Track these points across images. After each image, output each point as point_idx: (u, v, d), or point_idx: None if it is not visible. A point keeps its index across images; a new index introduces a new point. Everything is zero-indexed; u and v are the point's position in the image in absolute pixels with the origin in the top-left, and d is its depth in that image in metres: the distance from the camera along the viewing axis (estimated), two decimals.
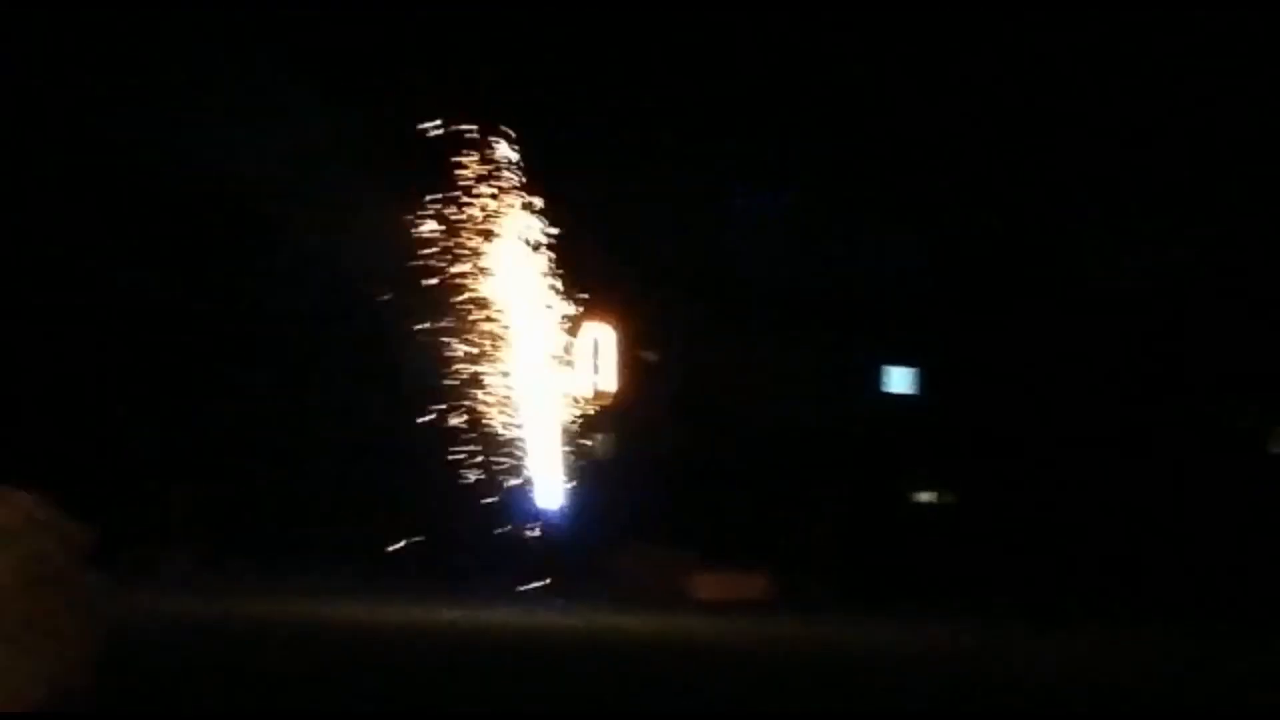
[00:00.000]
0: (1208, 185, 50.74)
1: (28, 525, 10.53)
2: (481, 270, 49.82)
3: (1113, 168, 51.25)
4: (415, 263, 48.32)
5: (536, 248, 49.40)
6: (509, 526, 48.98)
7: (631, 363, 52.02)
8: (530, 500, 50.12)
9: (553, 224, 49.40)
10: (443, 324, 49.01)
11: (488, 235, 49.81)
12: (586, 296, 49.19)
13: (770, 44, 51.29)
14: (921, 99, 51.75)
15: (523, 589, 43.18)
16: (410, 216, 48.41)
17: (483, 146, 49.85)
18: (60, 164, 49.28)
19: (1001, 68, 50.94)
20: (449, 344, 49.49)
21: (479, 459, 48.72)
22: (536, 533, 48.95)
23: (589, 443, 51.51)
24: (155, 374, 50.88)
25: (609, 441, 52.79)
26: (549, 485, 50.37)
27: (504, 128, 50.04)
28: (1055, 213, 51.95)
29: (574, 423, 50.61)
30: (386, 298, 47.09)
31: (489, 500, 48.83)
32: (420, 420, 47.70)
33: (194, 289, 50.96)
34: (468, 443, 48.72)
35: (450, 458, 47.86)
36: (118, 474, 47.94)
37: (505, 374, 50.02)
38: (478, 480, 49.07)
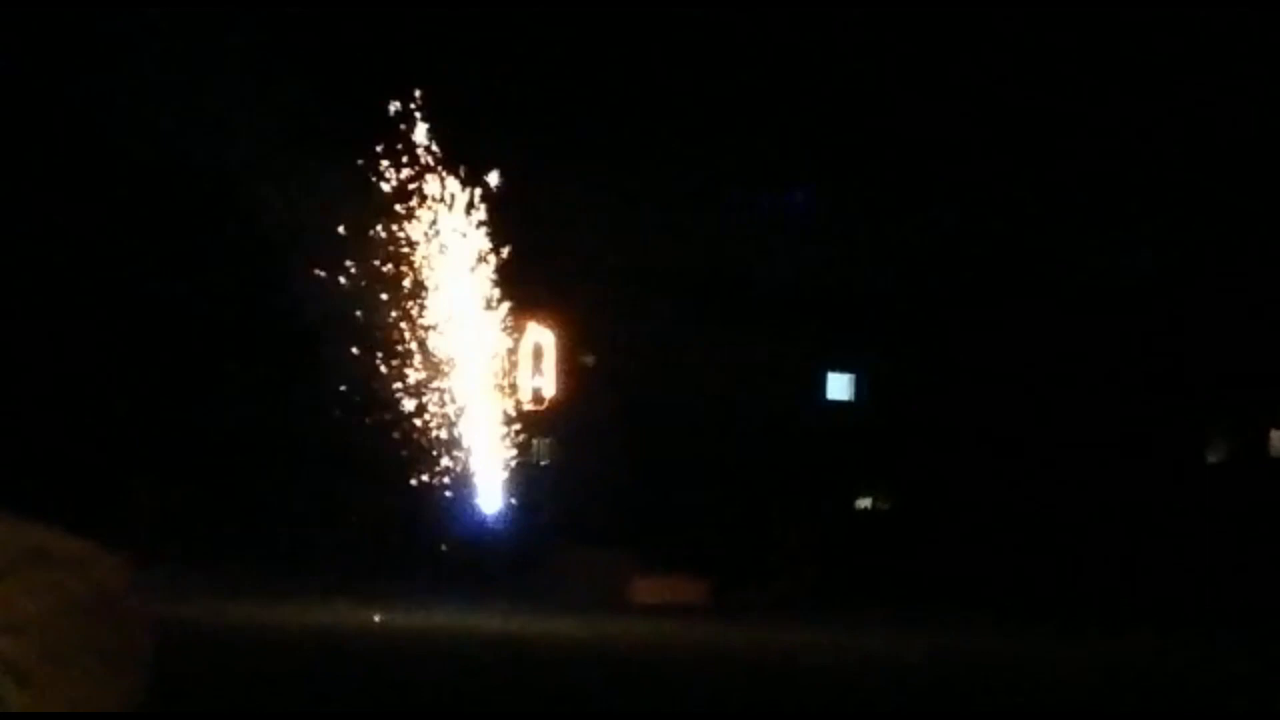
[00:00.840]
0: (1172, 188, 51.40)
1: (66, 551, 11.06)
2: (422, 273, 50.31)
3: (1069, 171, 51.89)
4: (359, 262, 48.80)
5: (482, 252, 49.97)
6: (449, 530, 49.45)
7: (573, 367, 52.52)
8: (471, 504, 50.59)
9: (499, 227, 49.95)
10: (384, 325, 49.49)
11: (432, 236, 50.31)
12: (525, 298, 49.80)
13: (732, 41, 51.80)
14: (890, 101, 52.31)
15: (459, 591, 43.59)
16: (359, 214, 48.92)
17: (432, 143, 50.41)
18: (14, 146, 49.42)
19: (956, 72, 51.59)
20: (391, 346, 50.01)
21: (420, 462, 49.24)
22: (477, 536, 49.43)
23: (530, 446, 52.04)
24: (113, 377, 51.18)
25: (550, 445, 53.28)
26: (489, 489, 50.87)
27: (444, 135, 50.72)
28: (1001, 218, 52.55)
29: (515, 426, 51.10)
30: (330, 292, 47.42)
31: (428, 503, 49.33)
32: (363, 423, 48.17)
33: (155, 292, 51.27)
34: (408, 446, 49.24)
35: (390, 461, 48.40)
36: (83, 478, 48.27)
37: (446, 377, 50.54)
38: (418, 483, 49.56)
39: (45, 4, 48.74)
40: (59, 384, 50.12)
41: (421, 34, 50.38)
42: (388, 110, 48.57)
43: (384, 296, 49.04)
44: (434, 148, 49.91)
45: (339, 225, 47.98)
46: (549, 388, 51.68)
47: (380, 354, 49.28)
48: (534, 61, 51.60)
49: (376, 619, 36.20)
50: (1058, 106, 51.17)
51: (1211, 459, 52.58)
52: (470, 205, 50.12)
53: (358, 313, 48.60)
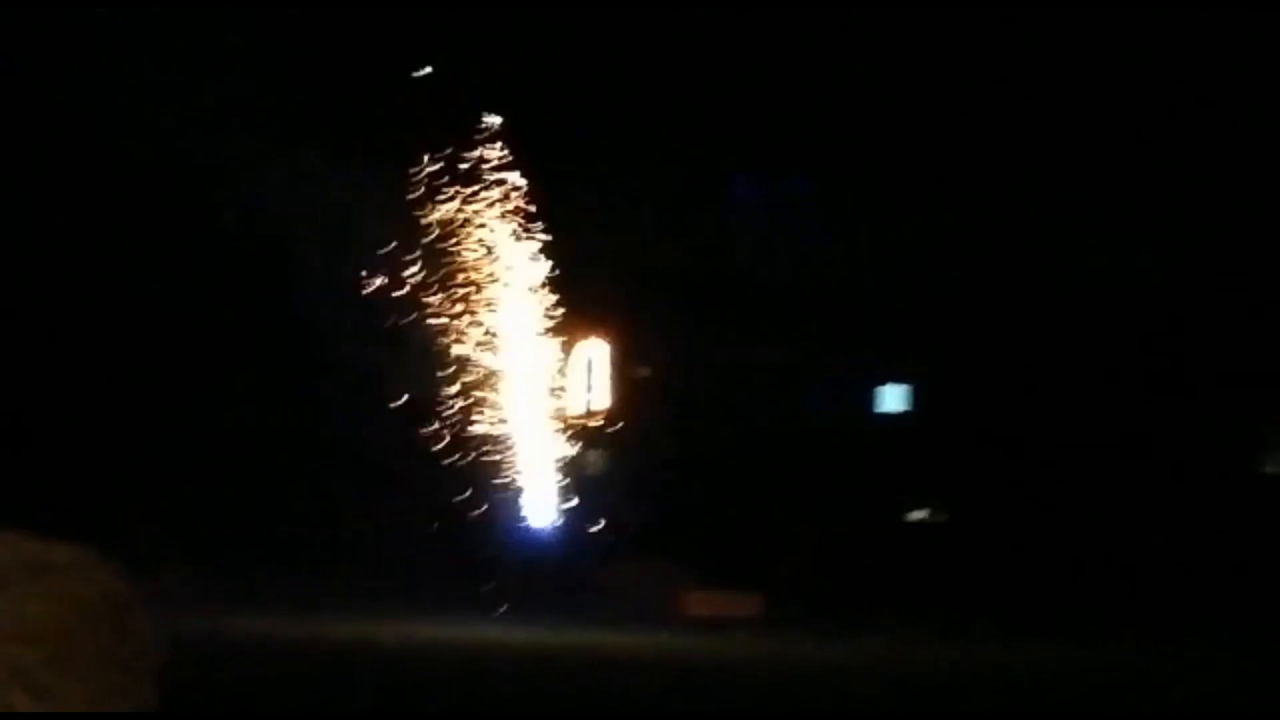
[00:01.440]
0: (1190, 194, 51.44)
1: (71, 558, 11.44)
2: (478, 288, 50.64)
3: (1096, 178, 51.97)
4: (413, 272, 49.17)
5: (534, 263, 50.34)
6: (502, 544, 49.73)
7: (625, 380, 52.73)
8: (524, 519, 50.86)
9: (551, 244, 50.29)
10: (439, 343, 49.86)
11: (485, 249, 50.67)
12: (578, 313, 50.16)
13: (758, 54, 51.98)
14: (912, 108, 52.39)
15: (504, 607, 43.71)
16: (411, 222, 49.28)
17: (481, 160, 50.78)
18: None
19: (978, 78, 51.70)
20: (445, 364, 50.38)
21: (473, 478, 49.56)
22: (528, 551, 49.71)
23: (583, 460, 52.29)
24: (132, 386, 51.47)
25: (602, 458, 53.48)
26: (543, 503, 51.15)
27: (499, 143, 51.08)
28: (1043, 226, 52.62)
29: (568, 440, 51.38)
30: (386, 314, 47.78)
31: (481, 518, 49.62)
32: (416, 437, 48.50)
33: (179, 299, 51.51)
34: (463, 461, 49.56)
35: (443, 475, 48.74)
36: (99, 488, 48.61)
37: (500, 394, 50.88)
38: (471, 498, 49.85)
39: (44, 4, 49.08)
40: (57, 386, 50.37)
41: (463, 37, 50.66)
42: (435, 115, 48.96)
43: (432, 305, 49.43)
44: (487, 154, 50.36)
45: (388, 235, 48.40)
46: (601, 400, 51.93)
47: (431, 366, 49.68)
48: (581, 66, 51.89)
49: (429, 634, 36.42)
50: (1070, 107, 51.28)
51: (1269, 469, 52.50)
52: (521, 215, 50.54)
53: (407, 321, 49.02)
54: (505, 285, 50.93)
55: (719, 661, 33.09)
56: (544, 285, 50.74)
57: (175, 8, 49.03)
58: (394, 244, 48.56)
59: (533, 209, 50.34)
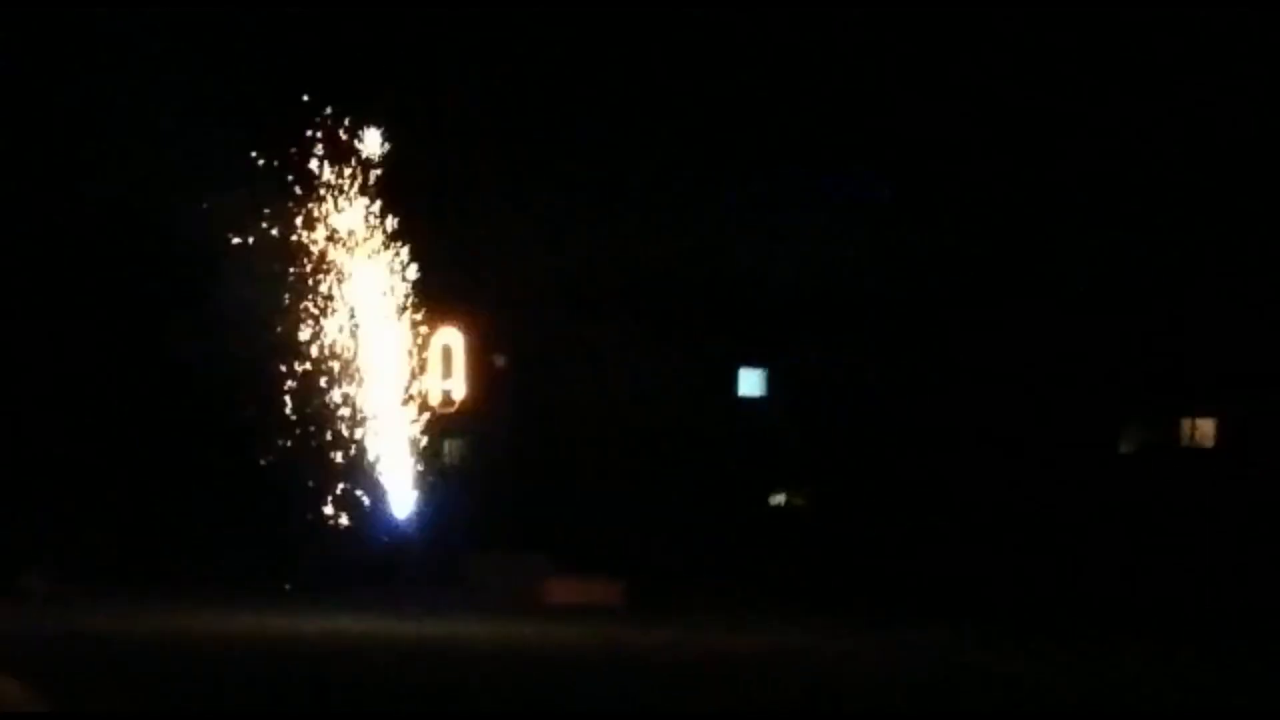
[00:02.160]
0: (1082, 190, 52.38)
1: None
2: (331, 274, 50.62)
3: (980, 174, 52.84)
4: (268, 265, 49.15)
5: (388, 250, 50.34)
6: (361, 534, 49.80)
7: (482, 368, 52.86)
8: (383, 508, 50.89)
9: (405, 228, 50.34)
10: (297, 330, 49.81)
11: (337, 237, 50.66)
12: (435, 300, 50.24)
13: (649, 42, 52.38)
14: (786, 96, 52.98)
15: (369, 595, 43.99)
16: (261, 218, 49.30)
17: (335, 142, 50.80)
18: None
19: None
20: (298, 350, 50.30)
21: (327, 468, 49.61)
22: (388, 542, 49.77)
23: (440, 449, 52.41)
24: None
25: (460, 447, 53.64)
26: (400, 493, 51.20)
27: (356, 122, 51.14)
28: (905, 214, 53.35)
29: (424, 429, 51.44)
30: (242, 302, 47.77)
31: (340, 509, 49.66)
32: (275, 434, 48.60)
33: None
34: (317, 453, 49.57)
35: (296, 469, 48.79)
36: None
37: (356, 381, 50.86)
38: (328, 488, 49.89)
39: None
40: None
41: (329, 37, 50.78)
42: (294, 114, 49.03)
43: (287, 299, 49.37)
44: (337, 144, 50.37)
45: (242, 230, 48.34)
46: (458, 389, 52.04)
47: (285, 358, 49.60)
48: (448, 59, 52.05)
49: (304, 627, 36.52)
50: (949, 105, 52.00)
51: (1124, 449, 53.51)
52: (374, 204, 50.56)
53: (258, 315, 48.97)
54: (359, 274, 50.95)
55: (577, 650, 33.43)
56: (399, 270, 50.80)
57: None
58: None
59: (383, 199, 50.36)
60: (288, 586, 45.77)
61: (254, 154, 48.38)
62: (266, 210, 48.81)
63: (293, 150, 49.35)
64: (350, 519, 49.45)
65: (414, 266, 50.32)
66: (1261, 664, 32.44)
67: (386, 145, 50.10)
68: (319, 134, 49.68)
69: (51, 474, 50.82)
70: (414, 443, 50.68)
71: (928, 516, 51.58)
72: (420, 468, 50.77)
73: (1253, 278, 51.02)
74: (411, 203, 50.78)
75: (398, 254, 50.33)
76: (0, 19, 48.73)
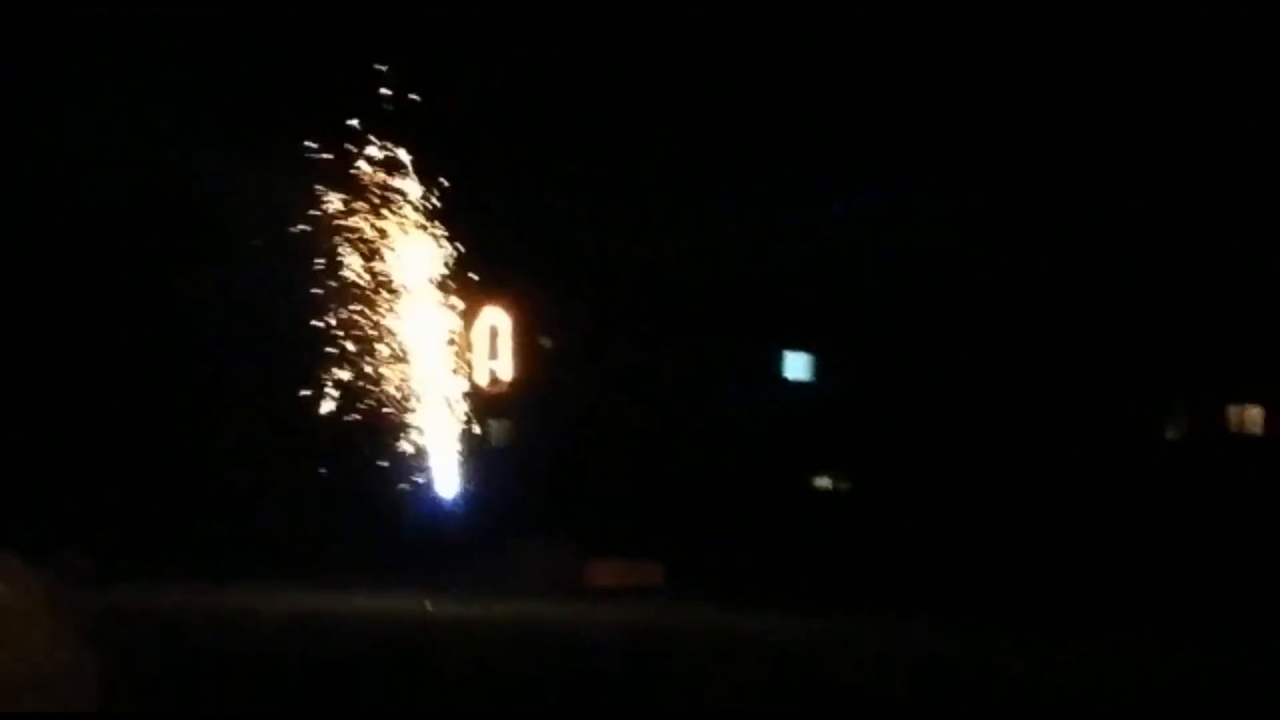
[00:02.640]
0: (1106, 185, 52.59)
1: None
2: (378, 253, 51.10)
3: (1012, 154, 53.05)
4: (315, 251, 49.62)
5: (435, 233, 50.79)
6: (407, 516, 50.28)
7: (529, 350, 53.32)
8: (429, 489, 51.36)
9: (454, 209, 50.77)
10: (339, 313, 50.27)
11: (383, 215, 51.15)
12: (482, 280, 50.64)
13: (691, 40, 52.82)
14: (816, 96, 53.39)
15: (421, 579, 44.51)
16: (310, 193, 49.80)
17: (379, 127, 51.26)
18: None
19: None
20: (346, 331, 50.77)
21: (377, 448, 50.05)
22: (433, 521, 50.21)
23: (486, 430, 52.88)
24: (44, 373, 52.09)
25: (506, 428, 54.11)
26: (446, 474, 51.66)
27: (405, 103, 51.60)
28: (957, 203, 53.67)
29: (471, 409, 51.93)
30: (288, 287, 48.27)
31: (386, 490, 50.15)
32: (319, 411, 48.98)
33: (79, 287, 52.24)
34: (366, 432, 49.99)
35: (348, 448, 49.24)
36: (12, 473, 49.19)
37: (403, 361, 51.31)
38: (376, 470, 50.36)
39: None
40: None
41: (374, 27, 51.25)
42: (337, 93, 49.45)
43: (332, 283, 49.83)
44: (388, 130, 50.77)
45: (284, 211, 48.86)
46: (505, 370, 52.49)
47: (332, 338, 50.05)
48: (489, 54, 52.51)
49: (354, 604, 37.04)
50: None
51: (1170, 436, 53.69)
52: (425, 185, 50.97)
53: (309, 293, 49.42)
54: (405, 253, 51.37)
55: (613, 630, 33.85)
56: (449, 255, 51.20)
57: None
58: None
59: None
60: (331, 562, 46.31)
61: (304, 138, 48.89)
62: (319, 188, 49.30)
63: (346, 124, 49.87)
64: (396, 498, 49.96)
65: (461, 245, 50.77)
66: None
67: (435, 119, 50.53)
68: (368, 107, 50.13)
69: (86, 455, 51.50)
70: (461, 423, 51.15)
71: (973, 508, 51.86)
72: (466, 448, 51.21)
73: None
74: (459, 180, 51.20)
75: (444, 232, 50.73)
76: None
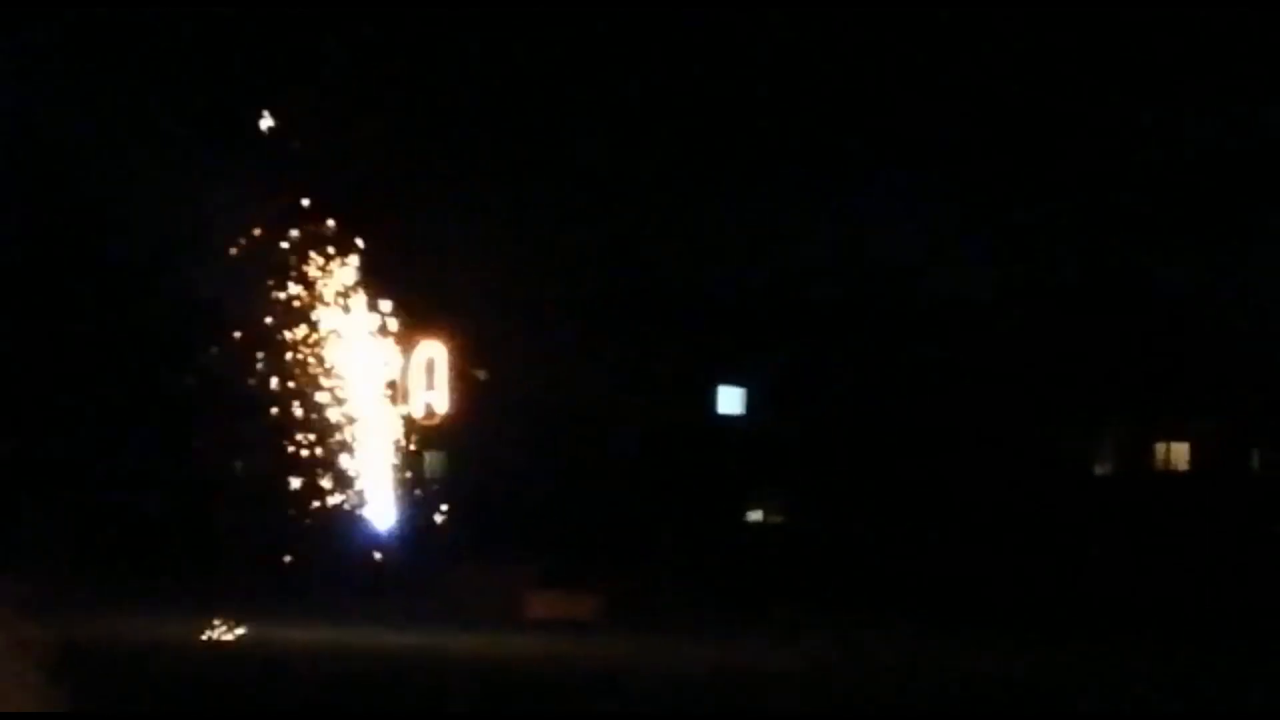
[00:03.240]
0: (1045, 216, 53.59)
1: None
2: (310, 289, 51.63)
3: (940, 184, 53.92)
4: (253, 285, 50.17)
5: (367, 266, 51.33)
6: (344, 547, 50.76)
7: (465, 382, 53.84)
8: (365, 521, 51.83)
9: (382, 244, 51.35)
10: (273, 342, 50.77)
11: (313, 252, 51.69)
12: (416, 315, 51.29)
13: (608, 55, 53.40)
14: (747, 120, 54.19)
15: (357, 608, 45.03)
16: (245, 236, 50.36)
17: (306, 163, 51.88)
18: None
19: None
20: (278, 363, 51.28)
21: (314, 479, 50.55)
22: (370, 553, 50.71)
23: (422, 462, 53.44)
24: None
25: (443, 460, 54.65)
26: (383, 505, 52.13)
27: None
28: (888, 233, 54.51)
29: (407, 442, 52.40)
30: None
31: (324, 521, 50.62)
32: (257, 443, 49.49)
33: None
34: (301, 464, 50.49)
35: (284, 479, 49.69)
36: None
37: (337, 394, 51.82)
38: (312, 501, 50.84)
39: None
40: None
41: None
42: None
43: (269, 320, 50.32)
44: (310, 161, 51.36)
45: (224, 244, 49.37)
46: (441, 402, 52.98)
47: (267, 374, 50.55)
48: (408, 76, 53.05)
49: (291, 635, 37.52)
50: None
51: (1099, 471, 54.70)
52: (351, 217, 51.53)
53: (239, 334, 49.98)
54: (338, 287, 51.83)
55: (554, 664, 34.43)
56: (380, 288, 51.69)
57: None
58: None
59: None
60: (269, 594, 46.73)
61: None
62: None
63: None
64: (332, 530, 50.39)
65: (395, 279, 51.33)
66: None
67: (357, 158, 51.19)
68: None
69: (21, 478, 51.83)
70: (395, 454, 51.64)
71: (894, 529, 52.71)
72: (401, 479, 51.68)
73: None
74: (387, 214, 51.80)
75: (374, 267, 51.28)
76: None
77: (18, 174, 50.15)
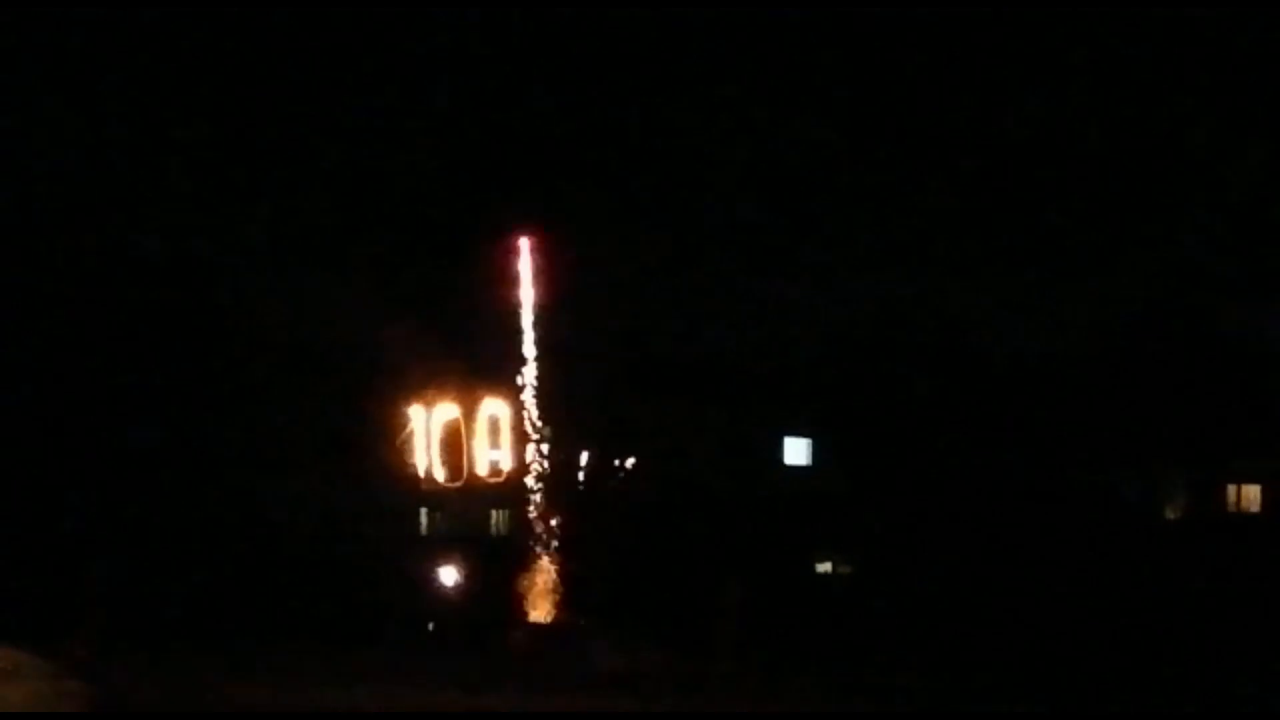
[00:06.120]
0: (1107, 262, 54.59)
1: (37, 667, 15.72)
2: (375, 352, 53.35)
3: (1017, 241, 55.11)
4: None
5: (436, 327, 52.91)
6: (410, 604, 52.19)
7: (527, 439, 54.84)
8: (432, 578, 53.22)
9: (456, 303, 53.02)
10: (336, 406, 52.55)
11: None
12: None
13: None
14: (819, 168, 55.50)
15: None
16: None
17: None
18: None
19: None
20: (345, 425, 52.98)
21: (383, 539, 52.24)
22: (437, 611, 52.06)
23: (488, 518, 54.66)
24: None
25: (508, 518, 55.60)
26: (449, 562, 53.49)
27: None
28: (952, 285, 55.65)
29: (472, 499, 53.69)
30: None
31: (390, 579, 52.11)
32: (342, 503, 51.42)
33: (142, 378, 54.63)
34: (370, 526, 52.24)
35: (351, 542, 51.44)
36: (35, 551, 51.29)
37: (403, 453, 53.40)
38: (379, 559, 52.39)
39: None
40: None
41: None
42: None
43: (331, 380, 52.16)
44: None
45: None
46: (506, 460, 54.11)
47: (334, 435, 52.22)
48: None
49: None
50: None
51: (1170, 515, 55.39)
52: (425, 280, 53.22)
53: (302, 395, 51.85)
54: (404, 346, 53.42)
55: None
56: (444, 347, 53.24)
57: None
58: None
59: None
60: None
61: None
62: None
63: None
64: (400, 589, 51.80)
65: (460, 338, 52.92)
66: None
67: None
68: None
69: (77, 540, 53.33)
70: (462, 512, 53.02)
71: (963, 581, 53.42)
72: (467, 538, 53.02)
73: None
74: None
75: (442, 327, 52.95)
76: None
77: None
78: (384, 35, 54.18)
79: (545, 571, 53.26)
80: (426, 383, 53.33)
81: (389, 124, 54.50)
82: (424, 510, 54.66)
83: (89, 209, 54.05)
